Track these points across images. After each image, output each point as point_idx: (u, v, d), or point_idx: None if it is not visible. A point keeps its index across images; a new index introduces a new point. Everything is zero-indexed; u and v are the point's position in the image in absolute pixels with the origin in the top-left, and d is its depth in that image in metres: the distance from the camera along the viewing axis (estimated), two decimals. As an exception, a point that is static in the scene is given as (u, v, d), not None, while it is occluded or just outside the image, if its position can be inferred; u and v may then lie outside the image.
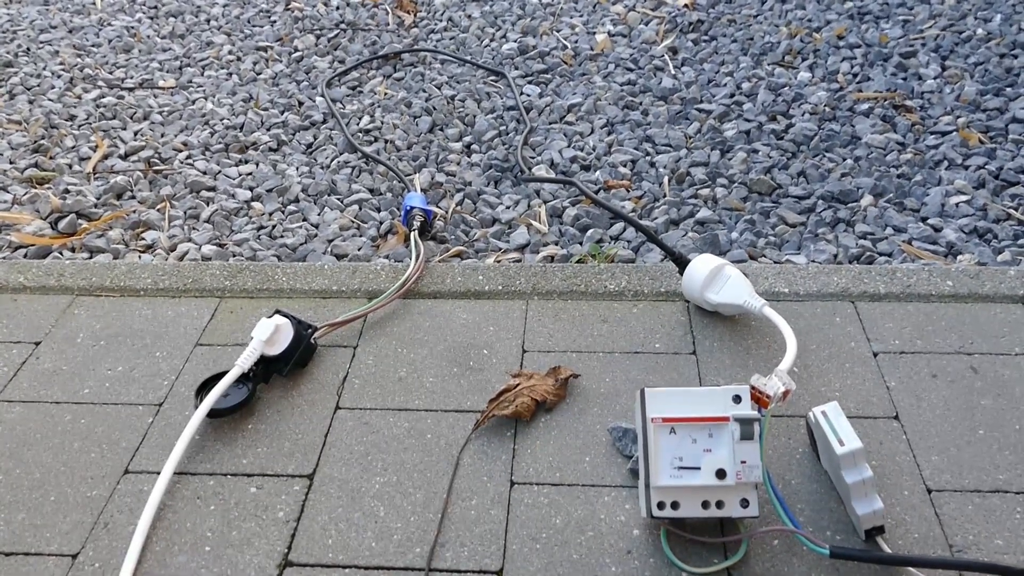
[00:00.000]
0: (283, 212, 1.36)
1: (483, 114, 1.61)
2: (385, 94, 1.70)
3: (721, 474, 0.71)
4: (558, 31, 1.93)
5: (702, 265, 0.99)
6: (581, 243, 1.25)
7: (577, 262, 1.18)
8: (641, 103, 1.62)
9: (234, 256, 1.26)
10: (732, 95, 1.62)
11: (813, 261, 1.18)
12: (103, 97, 1.73)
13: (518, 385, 0.90)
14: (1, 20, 2.08)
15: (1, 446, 0.89)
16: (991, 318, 0.99)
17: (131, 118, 1.65)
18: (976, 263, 1.15)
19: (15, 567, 0.76)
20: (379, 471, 0.84)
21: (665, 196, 1.35)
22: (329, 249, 1.26)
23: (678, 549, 0.74)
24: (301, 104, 1.68)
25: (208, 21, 2.07)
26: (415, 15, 2.05)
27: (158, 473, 0.83)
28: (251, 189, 1.42)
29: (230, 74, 1.82)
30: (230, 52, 1.91)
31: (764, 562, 0.74)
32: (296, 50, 1.91)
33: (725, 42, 1.82)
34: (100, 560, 0.77)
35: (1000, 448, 0.84)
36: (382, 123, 1.59)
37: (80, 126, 1.63)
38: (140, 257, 1.26)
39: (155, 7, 2.15)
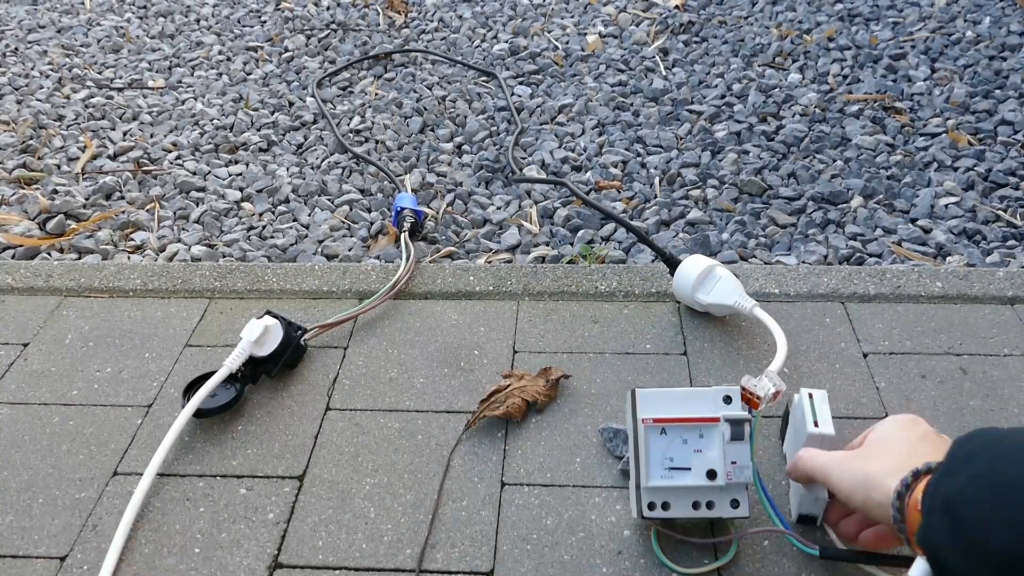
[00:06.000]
0: (273, 213, 1.35)
1: (474, 115, 1.61)
2: (376, 94, 1.70)
3: (711, 475, 0.71)
4: (549, 32, 1.93)
5: (693, 266, 0.99)
6: (572, 244, 1.25)
7: (568, 263, 1.18)
8: (632, 104, 1.62)
9: (224, 257, 1.25)
10: (723, 96, 1.62)
11: (803, 262, 1.18)
12: (92, 97, 1.72)
13: (509, 386, 0.90)
14: (-11, 19, 2.07)
15: (-12, 448, 0.88)
16: (980, 319, 1.00)
17: (120, 118, 1.65)
18: (965, 264, 1.16)
19: (2, 570, 0.76)
20: (369, 472, 0.84)
21: (656, 197, 1.35)
22: (319, 250, 1.25)
23: (668, 550, 0.75)
24: (291, 104, 1.68)
25: (198, 21, 2.06)
26: (406, 15, 2.04)
27: (147, 475, 0.83)
28: (241, 190, 1.41)
29: (220, 74, 1.82)
30: (220, 52, 1.91)
31: (754, 563, 0.74)
32: (286, 50, 1.90)
33: (716, 43, 1.83)
34: (88, 563, 0.76)
35: (989, 448, 0.84)
36: (373, 123, 1.59)
37: (69, 126, 1.62)
38: (129, 258, 1.26)
39: (144, 7, 2.15)
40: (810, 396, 0.75)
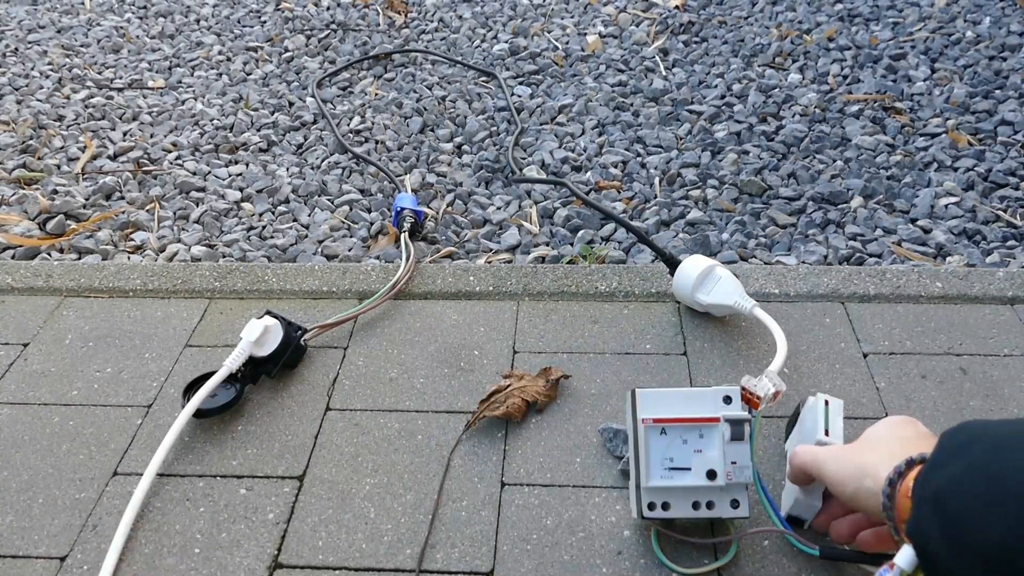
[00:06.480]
0: (273, 213, 1.35)
1: (474, 115, 1.61)
2: (376, 95, 1.70)
3: (711, 475, 0.71)
4: (549, 32, 1.93)
5: (693, 266, 0.99)
6: (572, 244, 1.25)
7: (568, 263, 1.18)
8: (632, 104, 1.62)
9: (224, 257, 1.25)
10: (723, 96, 1.62)
11: (803, 262, 1.18)
12: (92, 97, 1.72)
13: (509, 386, 0.90)
14: (-11, 19, 2.07)
15: (-12, 448, 0.88)
16: (980, 319, 1.00)
17: (120, 118, 1.65)
18: (965, 264, 1.16)
19: (2, 570, 0.76)
20: (369, 472, 0.84)
21: (656, 197, 1.35)
22: (319, 250, 1.25)
23: (668, 550, 0.75)
24: (291, 104, 1.68)
25: (198, 21, 2.06)
26: (406, 15, 2.04)
27: (147, 475, 0.83)
28: (241, 190, 1.41)
29: (220, 74, 1.82)
30: (220, 52, 1.91)
31: (754, 563, 0.74)
32: (286, 50, 1.90)
33: (716, 43, 1.83)
34: (88, 563, 0.76)
35: (989, 448, 0.84)
36: (373, 124, 1.59)
37: (69, 126, 1.62)
38: (129, 258, 1.26)
39: (144, 7, 2.15)
40: (826, 403, 0.75)
